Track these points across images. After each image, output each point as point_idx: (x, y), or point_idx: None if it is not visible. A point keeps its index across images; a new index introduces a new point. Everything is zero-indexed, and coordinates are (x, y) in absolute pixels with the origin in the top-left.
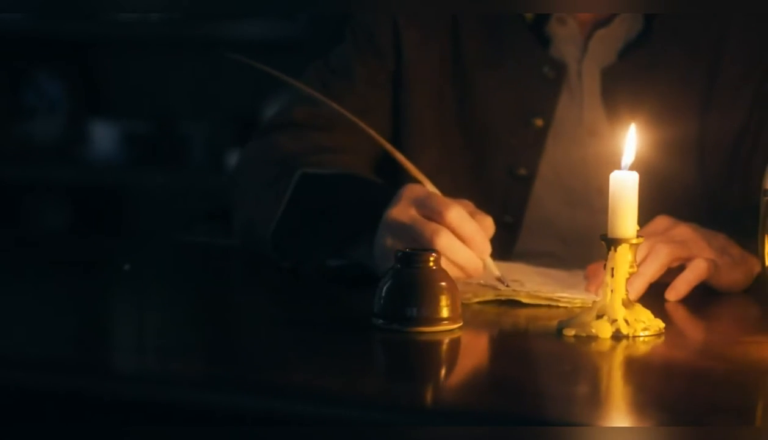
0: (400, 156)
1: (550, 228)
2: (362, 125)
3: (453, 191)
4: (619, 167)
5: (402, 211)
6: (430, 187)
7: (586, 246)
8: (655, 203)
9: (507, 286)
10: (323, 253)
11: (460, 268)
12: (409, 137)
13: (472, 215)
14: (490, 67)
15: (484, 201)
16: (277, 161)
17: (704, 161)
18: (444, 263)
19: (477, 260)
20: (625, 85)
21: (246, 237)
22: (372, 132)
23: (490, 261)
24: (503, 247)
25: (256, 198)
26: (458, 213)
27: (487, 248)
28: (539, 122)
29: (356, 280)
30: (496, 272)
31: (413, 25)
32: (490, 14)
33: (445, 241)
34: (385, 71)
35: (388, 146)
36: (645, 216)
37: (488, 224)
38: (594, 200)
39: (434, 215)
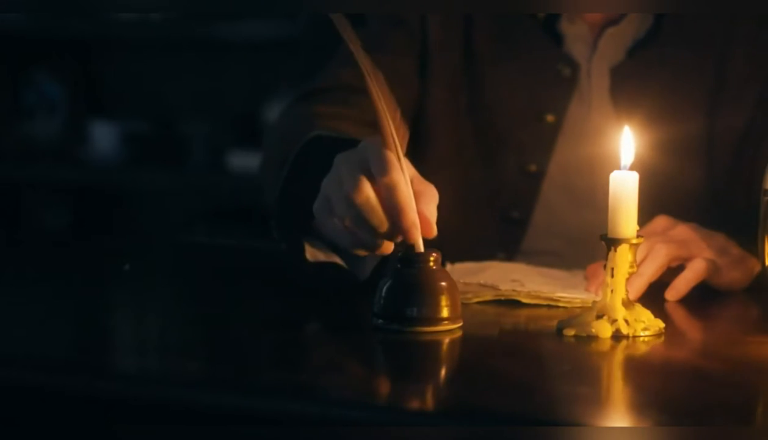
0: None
1: (556, 227)
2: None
3: (463, 184)
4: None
5: (346, 156)
6: (395, 149)
7: (590, 246)
8: (660, 202)
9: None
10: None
11: (368, 233)
12: (422, 126)
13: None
14: (502, 62)
15: (493, 195)
16: (303, 121)
17: (710, 161)
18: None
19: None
20: (634, 83)
21: (262, 190)
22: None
23: (419, 240)
24: (510, 243)
25: (271, 155)
26: (395, 180)
27: (414, 224)
28: (551, 119)
29: (333, 281)
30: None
31: (436, 16)
32: (499, 14)
33: (363, 199)
34: (414, 48)
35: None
36: (650, 216)
37: (432, 193)
38: (600, 199)
39: (373, 171)
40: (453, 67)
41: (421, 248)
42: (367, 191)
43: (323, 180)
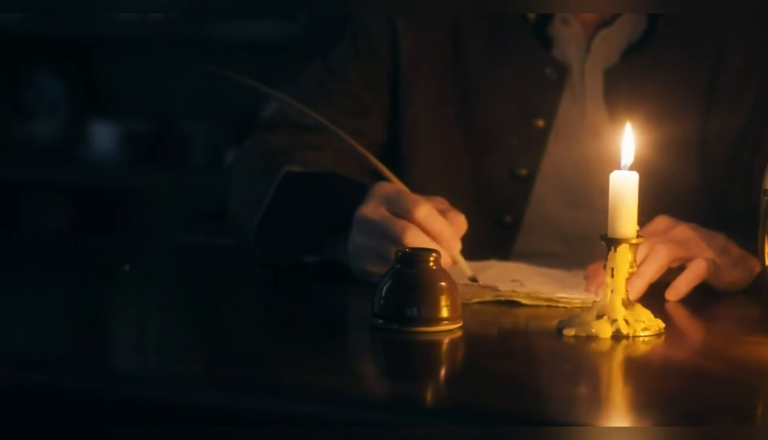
0: (368, 155)
1: (552, 228)
2: (329, 124)
3: (453, 191)
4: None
5: (372, 209)
6: (401, 185)
7: (587, 246)
8: (657, 203)
9: (477, 282)
10: (300, 250)
11: None
12: (407, 138)
13: (444, 212)
14: (492, 67)
15: (483, 201)
16: (264, 158)
17: (706, 162)
18: None
19: (446, 257)
20: (628, 85)
21: (234, 231)
22: (340, 131)
23: (461, 259)
24: (502, 246)
25: (242, 194)
26: (427, 210)
27: (457, 245)
28: (540, 123)
29: (333, 276)
30: (468, 272)
31: (412, 27)
32: (492, 15)
33: (412, 238)
34: (381, 72)
35: (351, 141)
36: (648, 216)
37: (460, 221)
38: (596, 200)
39: (403, 213)
40: (437, 79)
41: (468, 272)
42: (411, 228)
43: (348, 245)
